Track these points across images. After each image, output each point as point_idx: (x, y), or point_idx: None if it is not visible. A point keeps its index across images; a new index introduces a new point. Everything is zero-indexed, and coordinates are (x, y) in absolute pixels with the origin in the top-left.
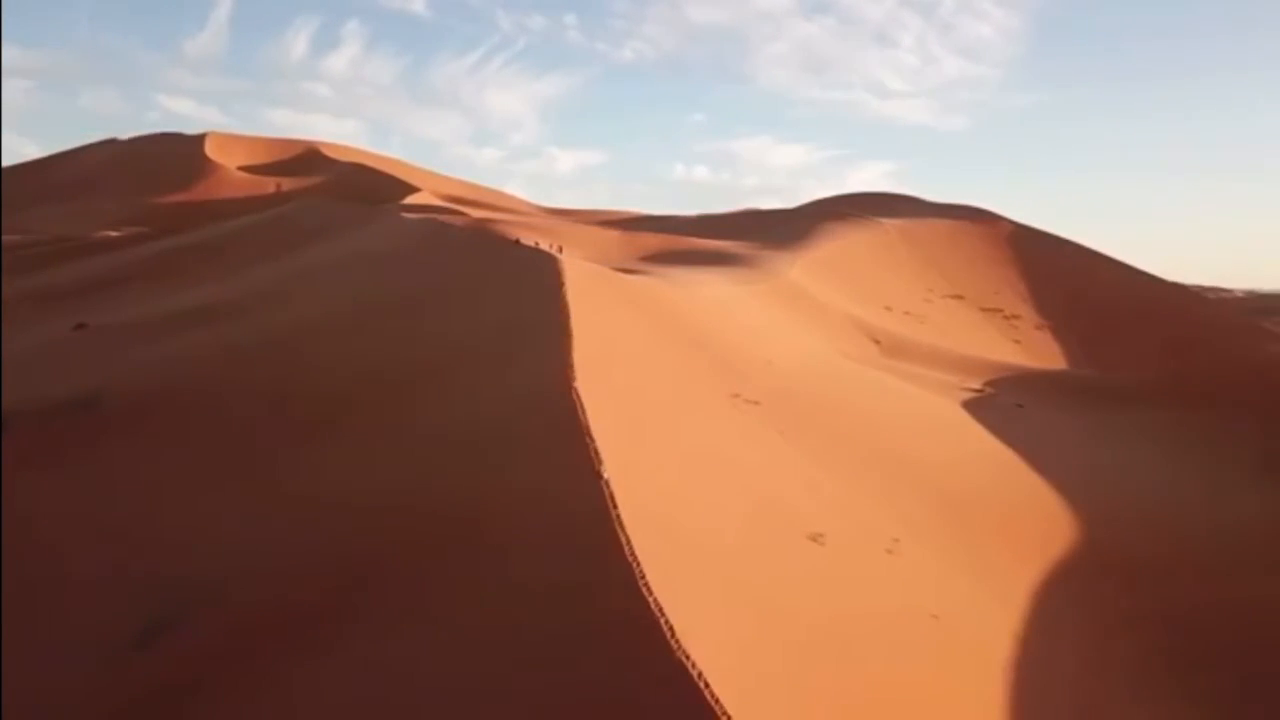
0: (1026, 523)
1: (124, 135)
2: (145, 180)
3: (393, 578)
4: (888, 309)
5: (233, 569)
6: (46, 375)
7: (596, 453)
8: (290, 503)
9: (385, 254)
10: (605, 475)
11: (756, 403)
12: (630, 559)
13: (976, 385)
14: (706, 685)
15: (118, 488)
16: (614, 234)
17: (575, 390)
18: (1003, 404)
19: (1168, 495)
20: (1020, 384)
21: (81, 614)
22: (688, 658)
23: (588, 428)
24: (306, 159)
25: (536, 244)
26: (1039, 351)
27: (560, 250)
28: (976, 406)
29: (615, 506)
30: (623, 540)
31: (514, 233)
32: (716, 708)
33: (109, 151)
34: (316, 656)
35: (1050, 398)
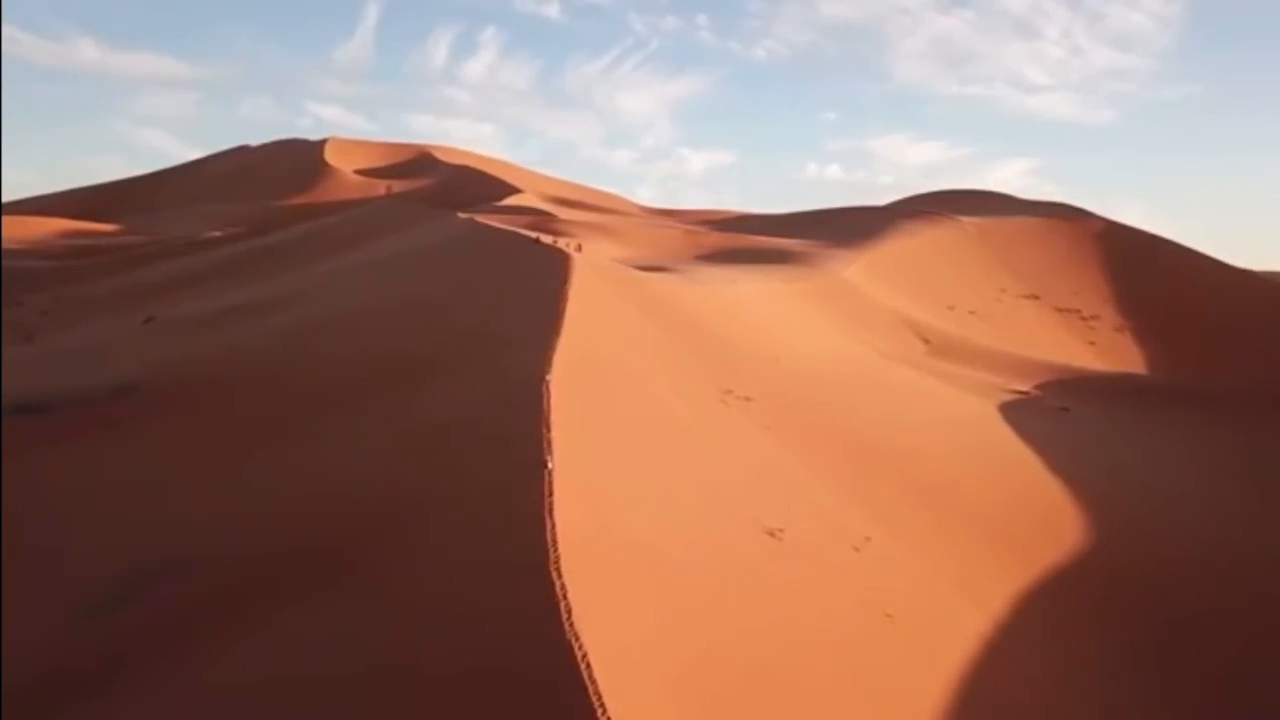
0: (1021, 527)
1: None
2: (269, 184)
3: (332, 558)
4: (950, 308)
5: (192, 551)
6: (104, 363)
7: (549, 443)
8: (250, 492)
9: (418, 253)
10: (550, 465)
11: (748, 399)
12: (549, 542)
13: (1024, 387)
14: (588, 666)
15: (121, 470)
16: (676, 233)
17: (546, 383)
18: (1046, 406)
19: (1188, 507)
20: (1075, 386)
21: (63, 580)
22: (577, 639)
23: (548, 419)
24: (419, 162)
25: (555, 242)
26: (1115, 354)
27: (579, 249)
28: (1013, 408)
29: (551, 494)
30: (547, 526)
31: (570, 232)
32: (591, 688)
33: (240, 157)
34: (246, 628)
35: (1105, 401)
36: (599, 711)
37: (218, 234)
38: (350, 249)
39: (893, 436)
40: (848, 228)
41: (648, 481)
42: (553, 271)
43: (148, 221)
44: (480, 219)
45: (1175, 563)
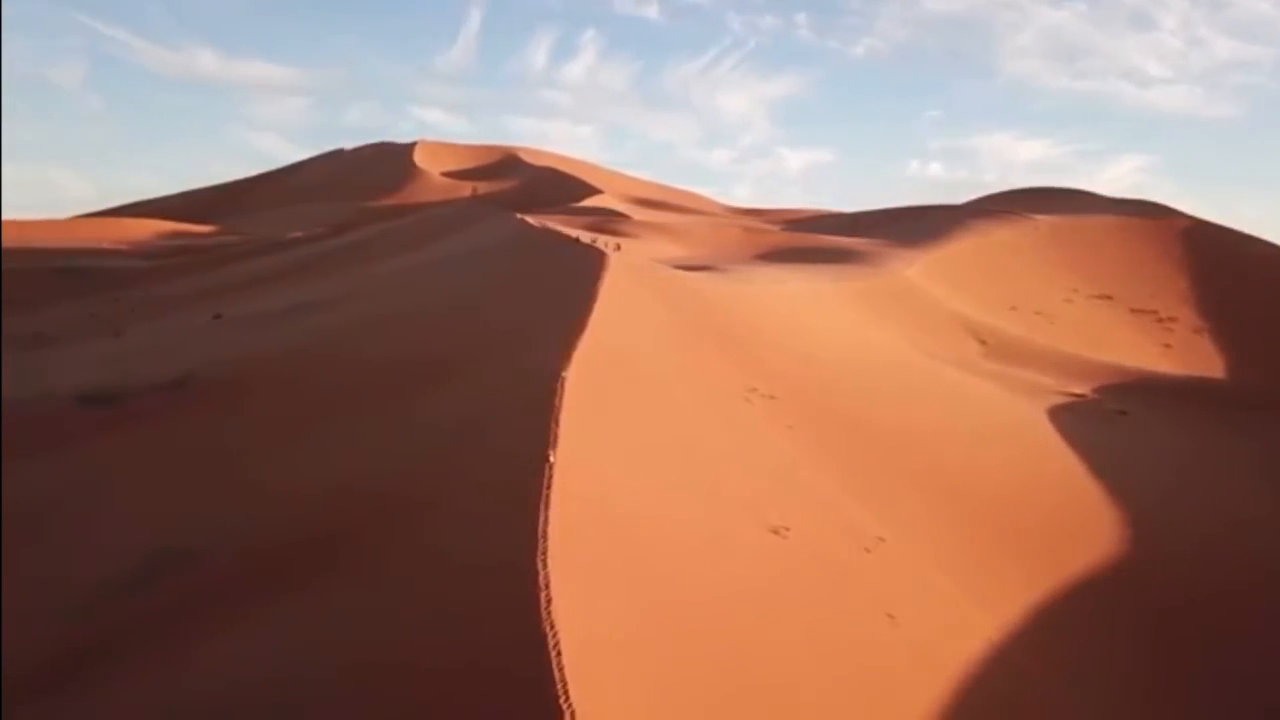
0: (1050, 533)
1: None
2: (360, 186)
3: (324, 552)
4: (1013, 309)
5: (195, 543)
6: (169, 358)
7: (555, 438)
8: (259, 487)
9: (467, 254)
10: (552, 459)
11: (772, 398)
12: (539, 534)
13: (1081, 389)
14: (559, 656)
15: (155, 460)
16: (738, 232)
17: (562, 380)
18: (1102, 410)
19: (1246, 519)
20: (1139, 389)
21: (89, 562)
22: (553, 629)
23: (558, 415)
24: (505, 164)
25: (594, 242)
26: (1191, 356)
27: (618, 248)
28: (1064, 411)
29: (549, 487)
30: (540, 519)
31: (629, 232)
32: (559, 680)
33: (334, 160)
34: (224, 623)
35: (1169, 405)
36: (563, 703)
37: (299, 234)
38: (410, 250)
39: (923, 438)
40: (918, 227)
41: (651, 477)
42: (586, 271)
43: (244, 222)
44: (543, 220)
45: (1219, 579)
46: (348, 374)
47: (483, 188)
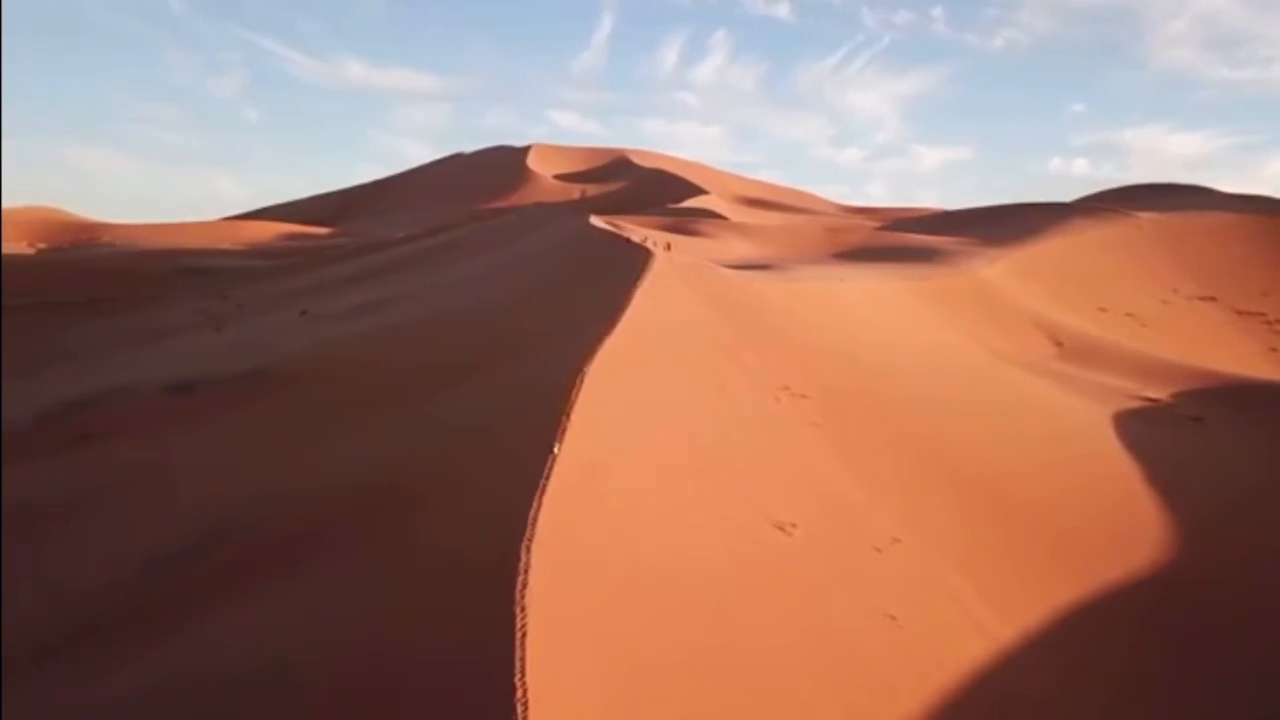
0: (1090, 538)
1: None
2: (474, 189)
3: (330, 538)
4: (1102, 310)
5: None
6: (250, 352)
7: (564, 431)
8: (278, 477)
9: (530, 256)
10: (556, 450)
11: (804, 396)
12: (529, 522)
13: (1158, 394)
14: (523, 636)
15: (209, 445)
16: (817, 231)
17: (583, 375)
18: (1176, 415)
19: None
20: (1224, 394)
21: (143, 533)
22: (523, 611)
23: (571, 409)
24: (615, 166)
25: (644, 241)
26: None
27: (669, 248)
28: (1133, 416)
29: (547, 478)
30: (533, 508)
31: (704, 232)
32: (519, 655)
33: (453, 164)
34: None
35: (1256, 412)
36: (517, 680)
37: (400, 235)
38: (482, 253)
39: (964, 439)
40: (1014, 225)
41: (657, 472)
42: (630, 271)
43: (362, 224)
44: (621, 221)
45: (1269, 592)
46: (379, 373)
47: (591, 190)
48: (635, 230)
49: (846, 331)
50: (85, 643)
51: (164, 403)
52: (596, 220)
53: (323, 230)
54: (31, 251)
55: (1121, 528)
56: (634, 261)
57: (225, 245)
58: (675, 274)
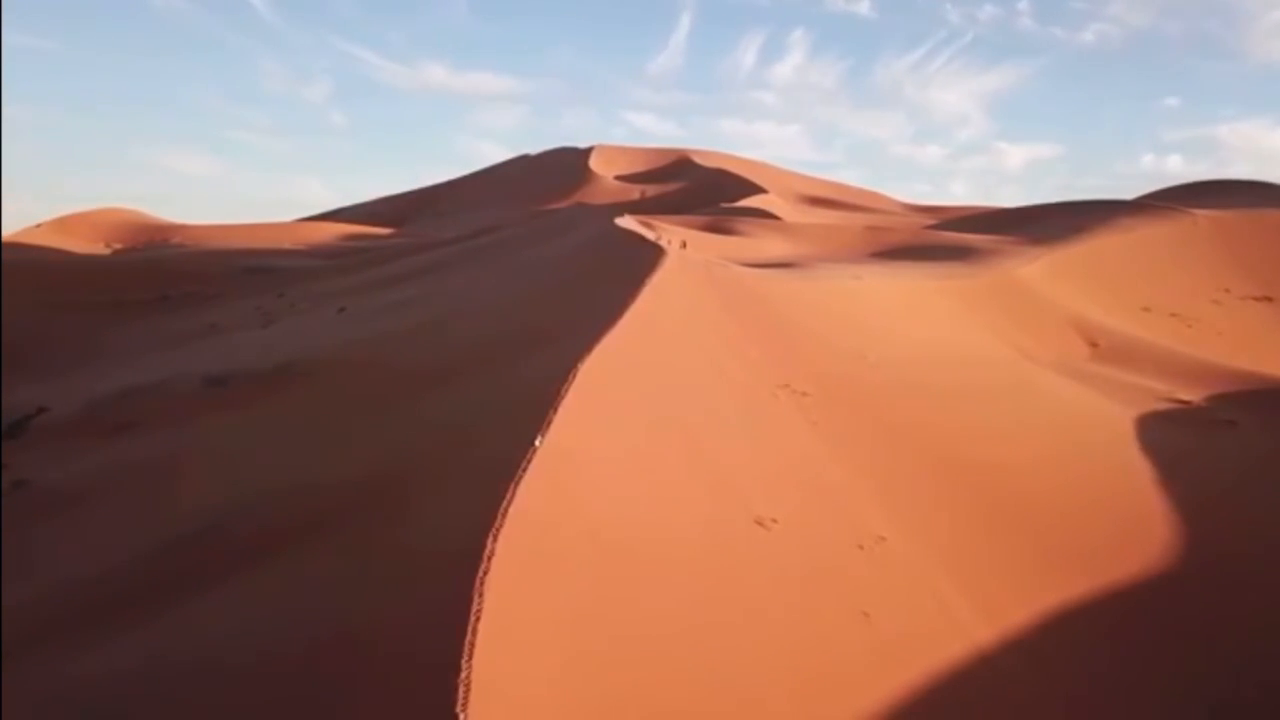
0: (1097, 541)
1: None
2: (536, 190)
3: (306, 535)
4: (1146, 310)
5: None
6: (286, 347)
7: (549, 424)
8: (273, 471)
9: (554, 256)
10: (538, 443)
11: (804, 394)
12: (499, 514)
13: (1192, 396)
14: (475, 627)
15: (224, 435)
16: (856, 230)
17: (575, 370)
18: (1208, 419)
19: None
20: (1264, 398)
21: (147, 523)
22: (480, 597)
23: (558, 403)
24: (677, 166)
25: (657, 239)
26: None
27: (684, 245)
28: (1160, 419)
29: (525, 469)
30: (506, 499)
31: (742, 231)
32: (466, 651)
33: (518, 165)
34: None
35: None
36: (464, 661)
37: (449, 235)
38: (515, 253)
39: (968, 438)
40: (1062, 223)
41: (639, 466)
42: (639, 269)
43: (423, 225)
44: (652, 220)
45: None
46: (384, 370)
47: (651, 190)
48: (660, 229)
49: (856, 329)
50: (65, 628)
51: (200, 395)
52: (624, 220)
53: (384, 231)
54: (108, 252)
55: (1131, 532)
56: (645, 260)
57: (288, 245)
58: (684, 271)
